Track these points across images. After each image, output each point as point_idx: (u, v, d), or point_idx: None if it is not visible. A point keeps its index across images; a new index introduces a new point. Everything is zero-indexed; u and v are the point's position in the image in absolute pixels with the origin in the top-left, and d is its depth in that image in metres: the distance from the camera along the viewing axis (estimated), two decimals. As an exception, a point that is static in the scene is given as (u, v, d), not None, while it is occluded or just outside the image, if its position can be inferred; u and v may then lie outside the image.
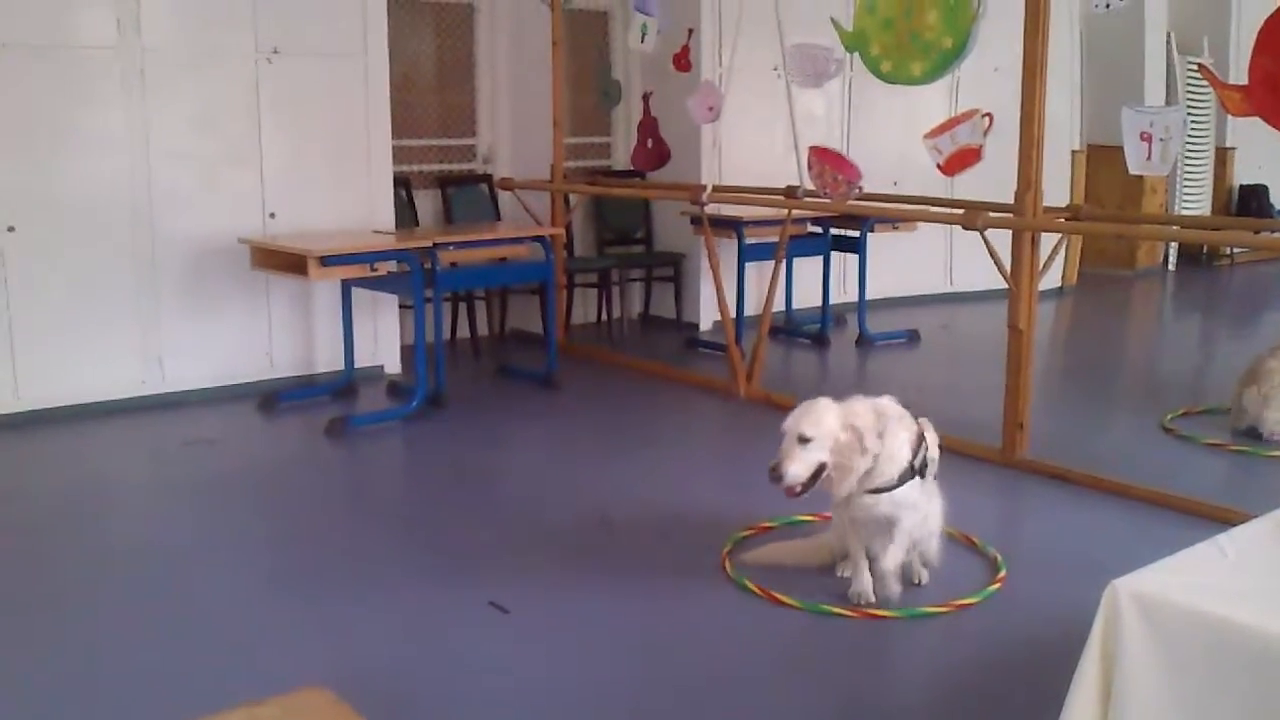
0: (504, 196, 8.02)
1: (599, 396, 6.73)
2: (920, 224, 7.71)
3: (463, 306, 7.85)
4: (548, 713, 3.13)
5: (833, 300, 8.23)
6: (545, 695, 3.21)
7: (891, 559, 3.68)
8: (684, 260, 8.37)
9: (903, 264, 8.96)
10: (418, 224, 7.62)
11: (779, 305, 7.58)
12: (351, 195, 6.75)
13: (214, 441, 5.66)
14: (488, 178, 8.13)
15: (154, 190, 6.10)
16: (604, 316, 8.41)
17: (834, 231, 7.95)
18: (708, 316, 8.31)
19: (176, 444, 5.64)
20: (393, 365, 6.98)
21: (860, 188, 5.83)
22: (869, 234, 7.87)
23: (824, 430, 3.46)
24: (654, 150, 7.48)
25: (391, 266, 6.01)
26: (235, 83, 6.30)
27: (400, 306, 6.97)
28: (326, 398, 6.37)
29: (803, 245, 7.78)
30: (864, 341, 7.95)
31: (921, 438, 3.67)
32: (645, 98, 7.57)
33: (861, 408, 3.56)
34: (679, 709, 3.15)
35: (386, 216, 6.90)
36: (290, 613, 3.76)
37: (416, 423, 5.93)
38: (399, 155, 7.28)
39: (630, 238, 8.64)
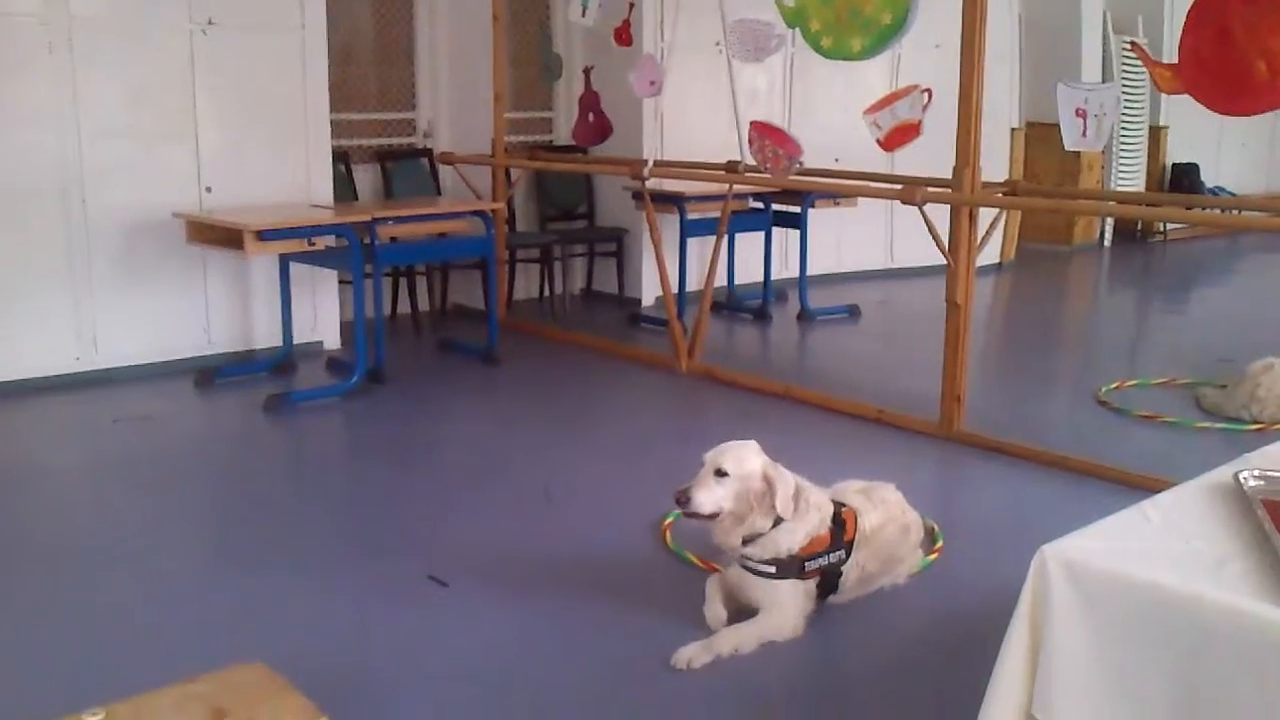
0: (445, 171, 7.96)
1: (540, 372, 6.71)
2: (860, 199, 7.75)
3: (403, 282, 7.79)
4: (486, 687, 3.13)
5: (774, 275, 8.26)
6: (484, 669, 3.22)
7: (733, 636, 3.28)
8: (626, 235, 8.36)
9: (843, 239, 9.04)
10: (357, 199, 7.54)
11: (720, 280, 7.60)
12: (289, 169, 6.66)
13: (148, 418, 5.59)
14: (428, 152, 8.06)
15: (85, 163, 5.97)
16: (546, 292, 8.38)
17: (775, 207, 7.98)
18: (650, 292, 8.31)
19: (110, 421, 5.55)
20: (332, 341, 6.92)
21: (801, 163, 5.85)
22: (810, 209, 7.91)
23: (744, 471, 3.30)
24: (595, 125, 7.45)
25: (330, 241, 5.95)
26: (169, 54, 6.18)
27: (340, 282, 6.91)
28: (265, 374, 6.30)
29: (744, 221, 7.80)
30: (805, 316, 8.00)
31: (838, 545, 3.41)
32: (586, 72, 7.53)
33: (785, 474, 3.33)
34: (619, 682, 3.17)
35: (325, 191, 6.82)
36: (226, 590, 3.73)
37: (356, 399, 5.89)
38: (338, 129, 7.20)
39: (572, 213, 8.61)
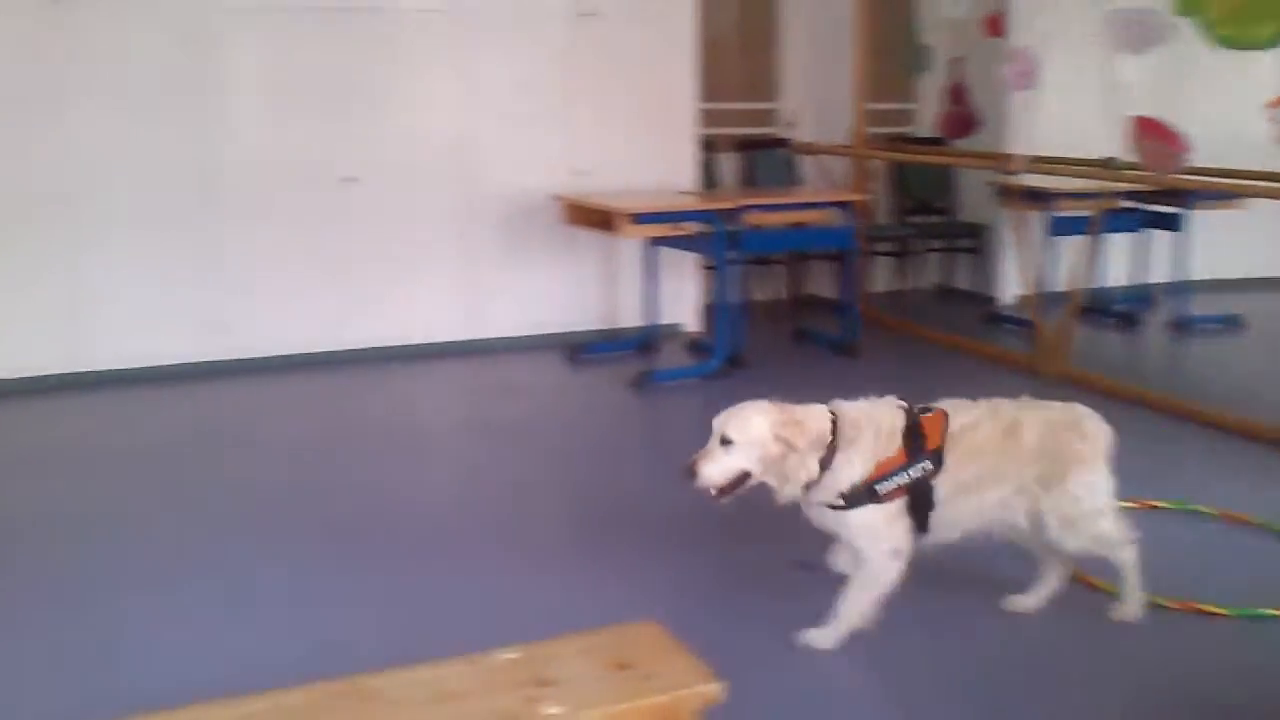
0: (802, 161, 8.00)
1: (897, 366, 6.65)
2: (1251, 203, 7.16)
3: (755, 269, 7.91)
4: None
5: (1145, 280, 7.80)
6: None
7: (849, 606, 3.22)
8: (986, 231, 8.14)
9: (1227, 244, 8.37)
10: (717, 186, 7.72)
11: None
12: (656, 156, 6.92)
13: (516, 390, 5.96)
14: (787, 142, 8.14)
15: (477, 145, 6.48)
16: (901, 285, 8.28)
17: (1150, 207, 7.53)
18: (1008, 290, 8.06)
19: (490, 386, 5.99)
20: (691, 324, 7.13)
21: (1187, 160, 5.52)
22: (1191, 211, 7.42)
23: (750, 436, 3.12)
24: (962, 117, 7.30)
25: (696, 227, 6.13)
26: (550, 43, 6.57)
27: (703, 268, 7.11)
28: (629, 352, 6.59)
29: (1115, 220, 7.40)
30: (1178, 324, 7.52)
31: (917, 458, 3.21)
32: (955, 63, 7.39)
33: (813, 418, 3.20)
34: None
35: (689, 178, 7.03)
36: (587, 558, 3.95)
37: (716, 381, 6.04)
38: (701, 118, 7.39)
39: (931, 207, 8.47)
